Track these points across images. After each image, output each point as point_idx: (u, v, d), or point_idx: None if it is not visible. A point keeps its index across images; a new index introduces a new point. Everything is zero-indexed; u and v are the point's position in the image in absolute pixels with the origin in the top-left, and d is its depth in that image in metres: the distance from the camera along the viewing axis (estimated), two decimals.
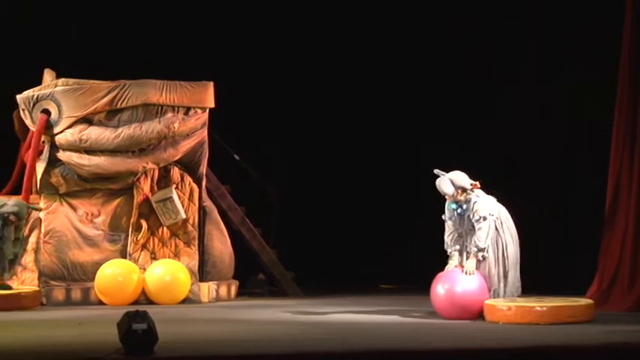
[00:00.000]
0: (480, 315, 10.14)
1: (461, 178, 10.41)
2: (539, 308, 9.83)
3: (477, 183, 10.45)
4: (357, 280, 13.98)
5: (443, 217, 10.52)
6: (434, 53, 13.93)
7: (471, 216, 10.33)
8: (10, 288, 11.59)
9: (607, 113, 11.36)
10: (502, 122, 13.07)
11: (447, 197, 10.42)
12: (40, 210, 12.16)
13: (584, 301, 10.16)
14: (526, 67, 13.08)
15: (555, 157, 12.78)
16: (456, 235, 10.48)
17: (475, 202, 10.35)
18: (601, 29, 11.94)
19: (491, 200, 10.46)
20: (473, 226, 10.35)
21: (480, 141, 12.99)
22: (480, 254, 10.28)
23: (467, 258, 10.36)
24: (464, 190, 10.39)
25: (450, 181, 10.37)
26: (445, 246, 10.52)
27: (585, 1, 12.22)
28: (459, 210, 10.41)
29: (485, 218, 10.29)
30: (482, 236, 10.27)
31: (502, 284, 10.34)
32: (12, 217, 11.61)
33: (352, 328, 9.78)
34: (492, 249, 10.33)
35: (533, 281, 10.88)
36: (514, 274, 10.38)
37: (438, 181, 10.40)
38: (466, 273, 10.26)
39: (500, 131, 12.94)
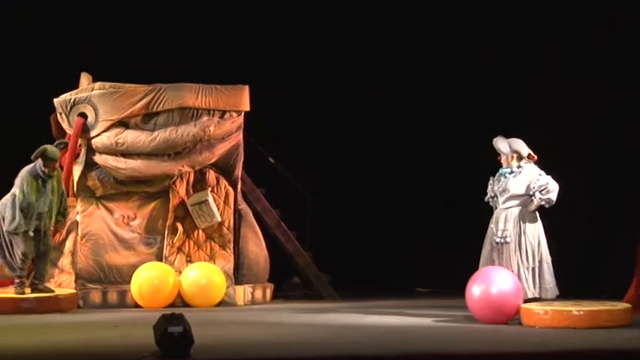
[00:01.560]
0: (514, 317, 10.08)
1: (519, 143, 10.58)
2: (576, 312, 9.76)
3: (535, 156, 10.48)
4: (393, 282, 13.93)
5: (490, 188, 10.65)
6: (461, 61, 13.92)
7: (529, 174, 10.39)
8: (51, 291, 11.59)
9: None
10: (536, 121, 13.00)
11: (501, 159, 10.53)
12: (66, 145, 12.02)
13: (621, 305, 10.08)
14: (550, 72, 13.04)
15: (591, 163, 12.71)
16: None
17: (531, 169, 10.45)
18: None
19: None
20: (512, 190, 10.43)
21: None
22: (545, 200, 10.31)
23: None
24: (519, 156, 10.50)
25: (507, 143, 10.50)
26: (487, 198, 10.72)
27: None
28: (509, 174, 10.50)
29: (544, 175, 10.41)
30: (552, 185, 10.31)
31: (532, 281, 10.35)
32: (50, 164, 11.43)
33: (388, 332, 9.76)
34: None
35: (570, 285, 10.82)
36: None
37: (495, 139, 10.56)
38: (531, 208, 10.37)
39: (535, 132, 12.81)
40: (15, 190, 11.46)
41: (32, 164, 11.55)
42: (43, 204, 11.46)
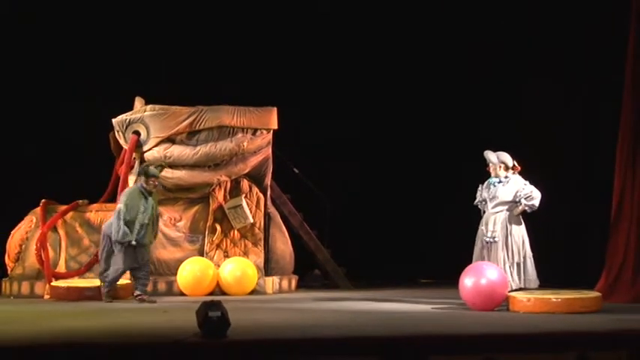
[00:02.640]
0: (502, 304, 10.10)
1: (505, 155, 10.60)
2: (554, 299, 9.79)
3: (519, 167, 10.52)
4: (400, 275, 13.88)
5: (479, 194, 10.66)
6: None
7: (516, 184, 10.43)
8: (153, 302, 11.09)
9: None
10: (520, 125, 12.97)
11: (490, 169, 10.56)
12: (163, 167, 11.75)
13: (593, 294, 10.10)
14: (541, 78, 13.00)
15: (569, 169, 12.71)
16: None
17: (517, 180, 10.48)
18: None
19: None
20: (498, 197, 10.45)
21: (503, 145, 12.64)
22: (529, 206, 10.34)
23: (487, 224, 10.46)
24: (506, 166, 10.53)
25: (496, 155, 10.55)
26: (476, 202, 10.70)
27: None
28: (498, 183, 10.52)
29: (529, 184, 10.44)
30: (535, 193, 10.33)
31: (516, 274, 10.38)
32: (151, 180, 11.18)
33: (394, 316, 9.77)
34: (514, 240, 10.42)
35: (550, 276, 10.85)
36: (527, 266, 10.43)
37: (485, 152, 10.61)
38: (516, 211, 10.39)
39: (518, 136, 12.79)
40: (119, 205, 11.14)
41: (135, 184, 11.43)
42: (145, 217, 11.07)
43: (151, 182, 11.24)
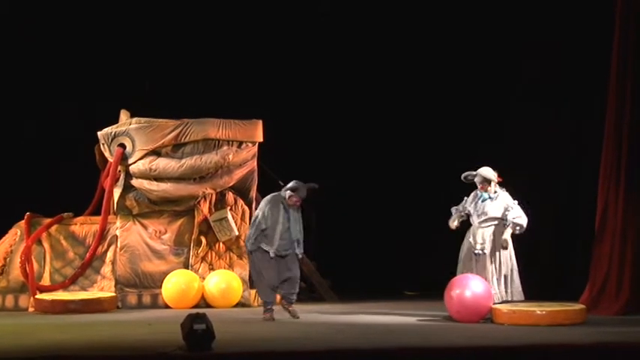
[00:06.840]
0: (486, 316, 10.11)
1: (487, 170, 10.63)
2: (539, 312, 9.82)
3: (500, 177, 10.61)
4: (385, 287, 13.84)
5: (462, 205, 10.67)
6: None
7: (504, 201, 10.46)
8: (296, 317, 10.72)
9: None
10: (508, 141, 13.01)
11: (479, 186, 10.58)
12: (316, 188, 10.95)
13: (577, 306, 10.14)
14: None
15: (553, 181, 12.75)
16: (461, 219, 10.68)
17: (505, 196, 10.52)
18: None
19: None
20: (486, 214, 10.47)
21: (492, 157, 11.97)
22: (518, 228, 10.38)
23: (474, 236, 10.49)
24: (490, 181, 10.55)
25: (478, 175, 10.61)
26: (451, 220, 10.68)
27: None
28: (486, 197, 10.55)
29: (517, 203, 10.47)
30: (523, 217, 10.37)
31: (503, 287, 10.40)
32: (293, 198, 10.64)
33: (379, 329, 9.78)
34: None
35: (534, 288, 10.87)
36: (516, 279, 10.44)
37: (465, 174, 10.64)
38: (503, 244, 10.36)
39: (506, 152, 12.79)
40: (257, 212, 10.85)
41: (278, 192, 10.91)
42: (289, 230, 10.63)
43: (293, 199, 10.69)
